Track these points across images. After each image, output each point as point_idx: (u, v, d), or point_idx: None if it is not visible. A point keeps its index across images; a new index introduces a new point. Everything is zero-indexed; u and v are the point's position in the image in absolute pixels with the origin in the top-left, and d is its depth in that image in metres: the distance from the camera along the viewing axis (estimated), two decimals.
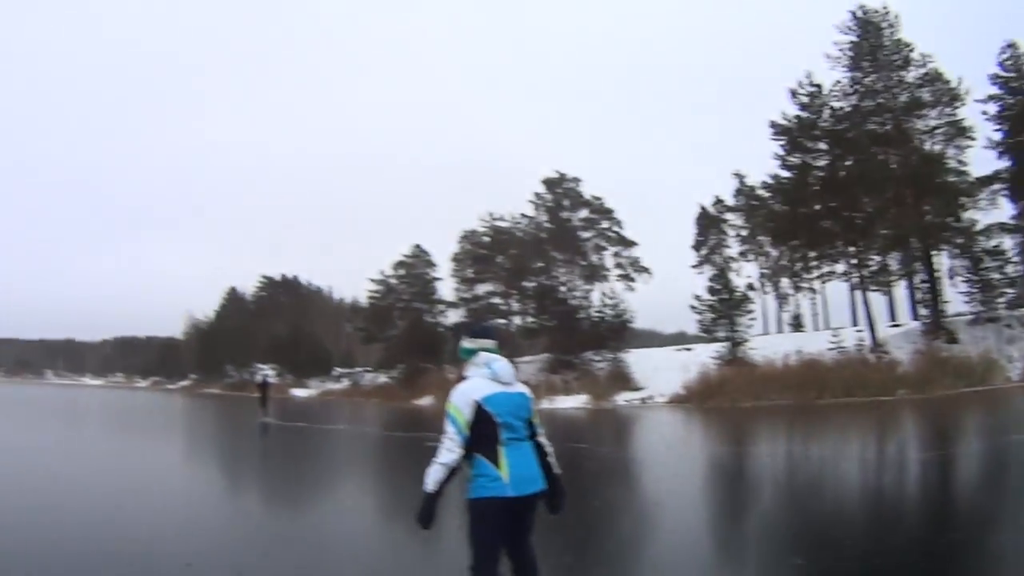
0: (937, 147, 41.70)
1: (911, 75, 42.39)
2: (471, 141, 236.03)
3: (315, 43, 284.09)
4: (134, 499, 12.28)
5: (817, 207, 40.32)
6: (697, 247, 61.68)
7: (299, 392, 69.73)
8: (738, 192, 61.31)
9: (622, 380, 44.93)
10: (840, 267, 42.08)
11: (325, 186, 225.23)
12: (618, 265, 57.08)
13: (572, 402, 41.12)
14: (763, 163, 67.32)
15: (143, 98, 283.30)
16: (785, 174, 42.00)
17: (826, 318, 59.73)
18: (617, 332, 49.69)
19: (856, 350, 37.52)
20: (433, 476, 4.94)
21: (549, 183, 58.52)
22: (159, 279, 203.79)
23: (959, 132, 41.26)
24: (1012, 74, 41.48)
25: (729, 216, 62.12)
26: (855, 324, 49.89)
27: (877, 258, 40.76)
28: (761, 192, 54.45)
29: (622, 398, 41.69)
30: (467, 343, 5.41)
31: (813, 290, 58.66)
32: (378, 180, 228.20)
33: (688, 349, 49.08)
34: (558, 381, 46.17)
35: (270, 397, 34.71)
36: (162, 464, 18.90)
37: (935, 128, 41.63)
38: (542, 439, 5.29)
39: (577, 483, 12.77)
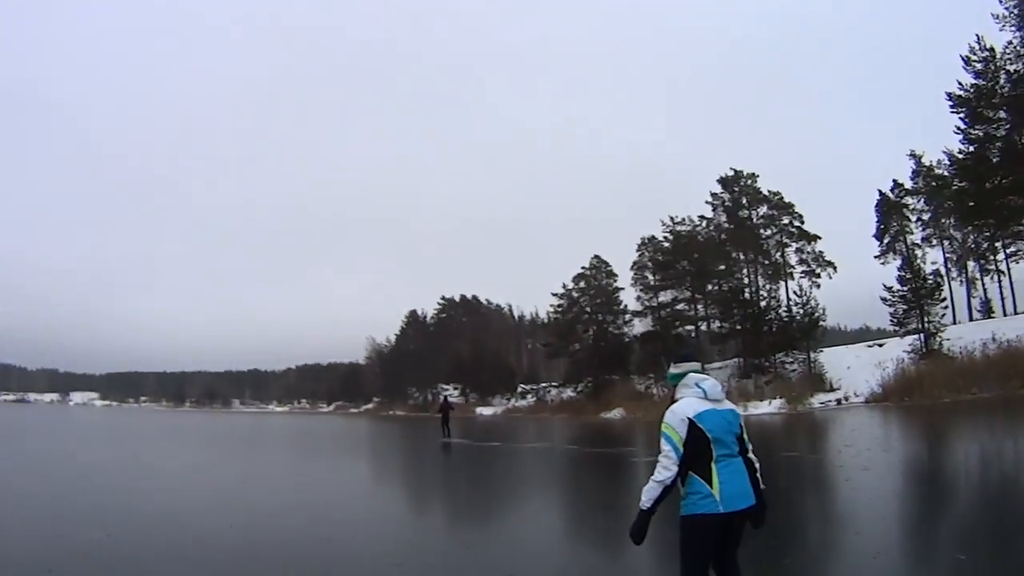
0: None
1: None
2: (638, 150, 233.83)
3: (475, 63, 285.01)
4: (334, 512, 13.06)
5: (1003, 181, 37.92)
6: (879, 236, 58.61)
7: (484, 410, 70.23)
8: (916, 174, 58.16)
9: (816, 382, 43.60)
10: None
11: (498, 205, 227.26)
12: (801, 261, 55.00)
13: (766, 407, 40.16)
14: (941, 140, 64.22)
15: (316, 138, 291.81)
16: (967, 148, 39.77)
17: (1014, 302, 56.18)
18: (808, 332, 48.01)
19: None
20: (649, 494, 4.99)
21: (725, 182, 57.25)
22: (339, 308, 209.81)
23: None
24: None
25: (909, 200, 59.15)
26: None
27: None
28: (941, 172, 52.25)
29: (817, 400, 40.40)
30: (674, 369, 5.48)
31: (1002, 272, 54.70)
32: (550, 195, 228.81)
33: (880, 344, 46.97)
34: (750, 386, 45.16)
35: (451, 417, 34.97)
36: (355, 482, 19.65)
37: None
38: (751, 456, 5.26)
39: (797, 492, 12.83)
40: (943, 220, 55.58)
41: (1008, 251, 45.26)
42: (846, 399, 39.58)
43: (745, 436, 5.25)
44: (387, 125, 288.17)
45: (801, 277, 54.17)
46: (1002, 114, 38.19)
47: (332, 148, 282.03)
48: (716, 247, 55.37)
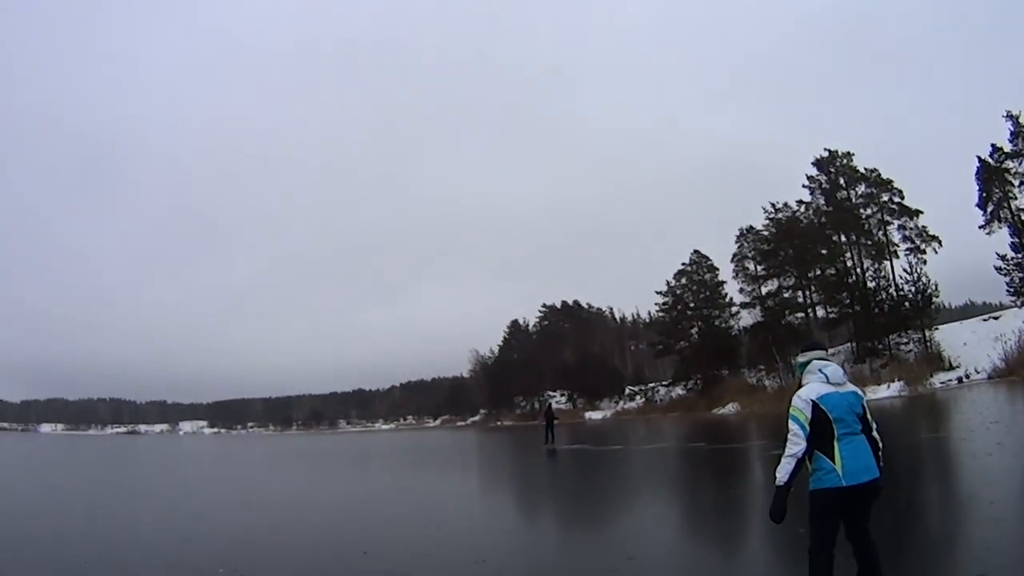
0: None
1: None
2: (728, 141, 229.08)
3: (565, 68, 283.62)
4: (448, 519, 13.30)
5: None
6: (983, 205, 56.37)
7: (593, 415, 69.54)
8: (1015, 135, 55.59)
9: (934, 361, 42.10)
10: None
11: (595, 212, 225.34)
12: (905, 238, 52.65)
13: (885, 391, 38.81)
14: None
15: (412, 154, 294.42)
16: None
17: None
18: (922, 310, 46.47)
19: None
20: (783, 470, 5.46)
21: (820, 163, 55.50)
22: (441, 323, 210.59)
23: None
24: None
25: (1011, 164, 56.69)
26: None
27: None
28: None
29: (937, 380, 39.03)
30: (800, 358, 5.99)
31: None
32: (646, 198, 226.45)
33: (995, 317, 45.13)
34: (866, 370, 43.85)
35: (554, 422, 34.54)
36: (464, 491, 19.77)
37: None
38: (875, 435, 5.66)
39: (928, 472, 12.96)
40: None
41: None
42: (967, 376, 38.19)
43: (868, 416, 5.69)
44: (486, 138, 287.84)
45: (906, 254, 51.96)
46: None
47: (431, 165, 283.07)
48: (816, 231, 53.87)
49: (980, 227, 51.30)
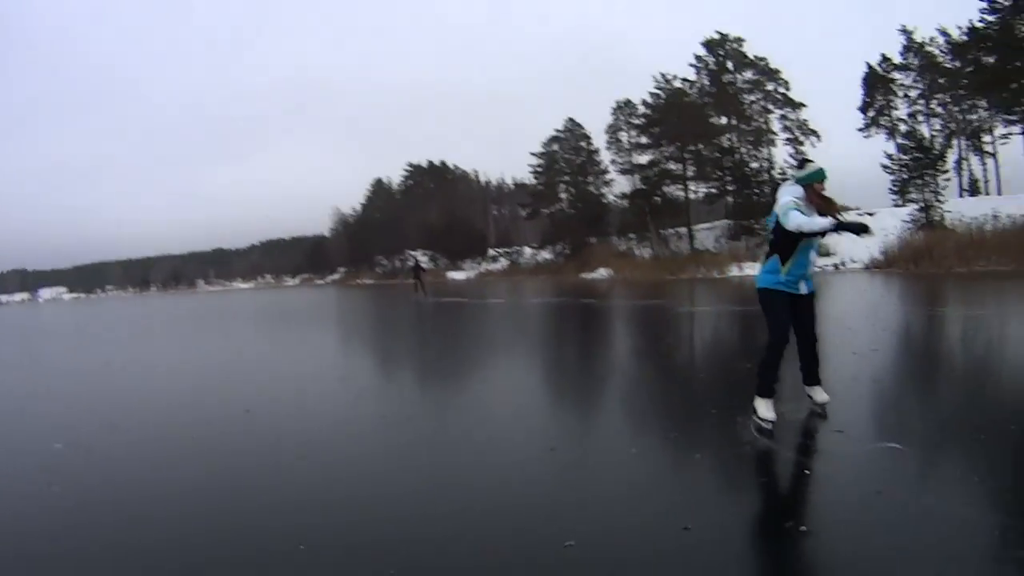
0: None
1: None
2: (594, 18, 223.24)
3: None
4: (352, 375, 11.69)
5: None
6: (864, 109, 55.49)
7: (456, 275, 66.76)
8: (907, 49, 54.24)
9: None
10: None
11: (462, 72, 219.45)
12: (785, 128, 51.42)
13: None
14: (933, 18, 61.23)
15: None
16: (990, 18, 36.26)
17: (998, 184, 53.37)
18: None
19: None
20: (820, 222, 5.75)
21: (710, 44, 52.88)
22: (301, 181, 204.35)
23: None
24: None
25: (897, 76, 55.75)
26: None
27: None
28: (931, 50, 50.68)
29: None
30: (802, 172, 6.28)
31: (989, 153, 51.81)
32: (509, 65, 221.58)
33: (870, 214, 43.83)
34: (742, 247, 42.14)
35: (424, 279, 34.23)
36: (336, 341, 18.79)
37: None
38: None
39: None
40: (936, 96, 52.25)
41: (999, 133, 43.63)
42: (843, 264, 36.70)
43: None
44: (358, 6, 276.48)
45: (784, 144, 51.19)
46: None
47: (301, 29, 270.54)
48: (697, 108, 51.39)
49: (859, 130, 53.08)
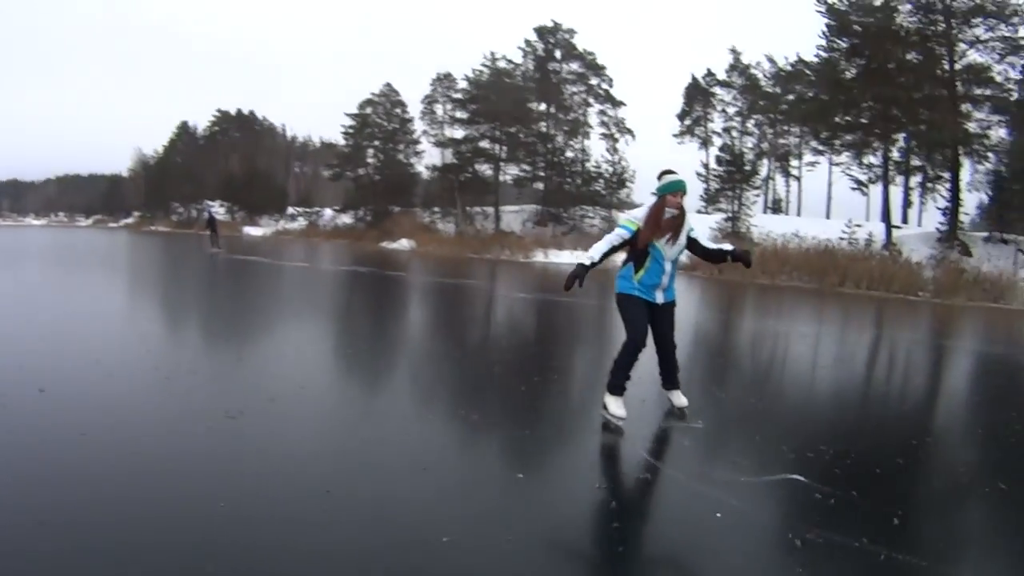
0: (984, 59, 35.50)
1: None
2: None
3: None
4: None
5: (853, 93, 35.08)
6: (682, 116, 56.17)
7: (252, 230, 62.91)
8: (732, 68, 55.46)
9: None
10: (874, 159, 36.41)
11: (277, 24, 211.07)
12: (603, 123, 50.19)
13: (568, 257, 35.65)
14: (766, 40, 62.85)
15: None
16: (824, 55, 36.38)
17: (798, 207, 55.06)
18: (615, 190, 44.55)
19: (866, 244, 33.14)
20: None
21: (542, 32, 51.05)
22: (106, 116, 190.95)
23: (1013, 49, 34.78)
24: None
25: (719, 91, 56.29)
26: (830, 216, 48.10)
27: (899, 154, 36.77)
28: (755, 72, 53.86)
29: (619, 259, 36.05)
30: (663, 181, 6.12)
31: (795, 177, 55.29)
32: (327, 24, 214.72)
33: None
34: (548, 234, 40.77)
35: (219, 232, 33.02)
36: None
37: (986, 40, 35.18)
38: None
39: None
40: (754, 116, 54.81)
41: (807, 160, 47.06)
42: None
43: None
44: None
45: (600, 139, 49.87)
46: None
47: None
48: (518, 91, 49.49)
49: (674, 135, 55.12)
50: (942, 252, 32.67)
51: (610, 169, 44.90)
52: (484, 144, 48.78)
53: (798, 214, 50.17)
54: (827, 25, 35.30)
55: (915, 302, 23.61)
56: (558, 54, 50.80)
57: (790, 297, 22.29)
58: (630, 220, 5.97)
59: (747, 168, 41.12)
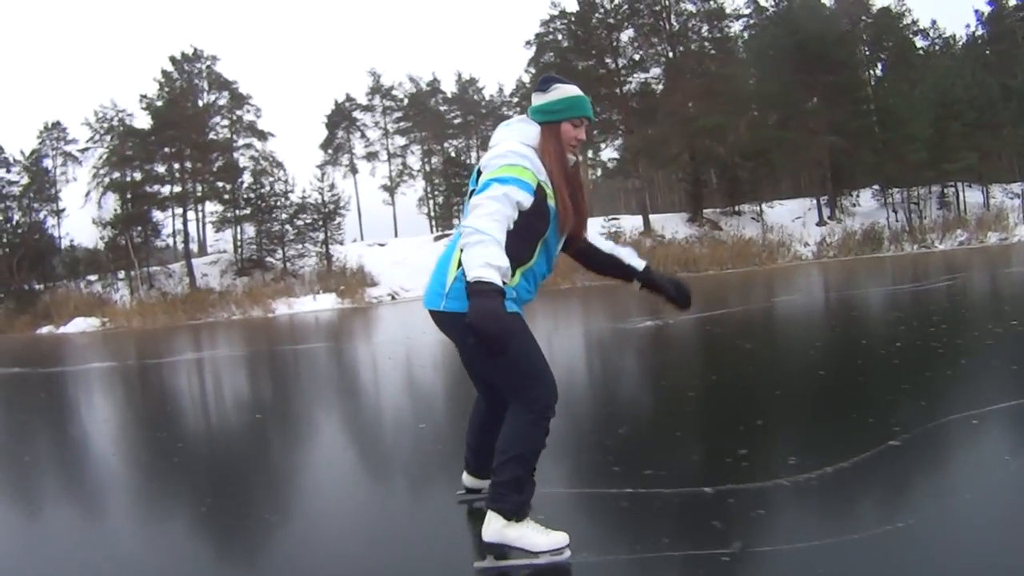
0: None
1: None
2: None
3: None
4: None
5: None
6: (326, 145, 50.12)
7: None
8: (373, 91, 50.64)
9: (360, 278, 32.33)
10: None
11: None
12: (252, 158, 40.28)
13: (330, 302, 28.89)
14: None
15: None
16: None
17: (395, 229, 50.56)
18: (328, 219, 35.82)
19: (630, 235, 33.04)
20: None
21: (177, 61, 39.74)
22: None
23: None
24: None
25: (359, 115, 50.76)
26: None
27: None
28: (398, 93, 50.37)
29: (369, 295, 30.22)
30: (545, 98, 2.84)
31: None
32: None
33: (381, 244, 38.28)
34: (260, 284, 32.51)
35: None
36: None
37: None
38: None
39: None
40: (394, 137, 51.05)
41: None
42: (395, 296, 30.22)
43: None
44: None
45: (250, 175, 39.00)
46: None
47: None
48: (157, 130, 37.70)
49: (319, 166, 47.68)
50: (699, 230, 34.30)
51: (320, 198, 36.07)
52: (159, 186, 37.60)
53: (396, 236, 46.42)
54: None
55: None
56: (205, 85, 40.63)
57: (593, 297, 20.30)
58: (521, 169, 2.54)
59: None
